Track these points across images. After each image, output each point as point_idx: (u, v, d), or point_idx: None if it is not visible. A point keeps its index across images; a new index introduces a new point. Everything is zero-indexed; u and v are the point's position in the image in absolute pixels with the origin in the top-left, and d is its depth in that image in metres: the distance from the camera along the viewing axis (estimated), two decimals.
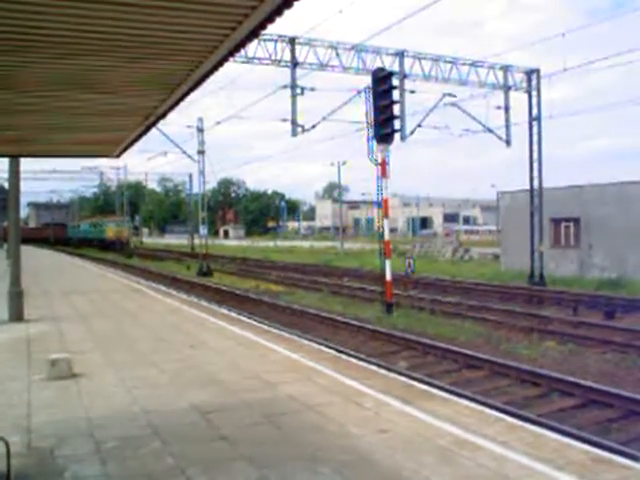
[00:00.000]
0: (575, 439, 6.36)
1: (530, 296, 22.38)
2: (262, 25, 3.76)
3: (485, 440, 5.92)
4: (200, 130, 38.65)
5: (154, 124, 6.83)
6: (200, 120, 38.75)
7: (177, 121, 34.12)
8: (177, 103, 5.80)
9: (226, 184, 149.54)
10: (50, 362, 8.74)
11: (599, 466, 5.33)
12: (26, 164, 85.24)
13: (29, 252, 49.49)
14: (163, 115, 6.31)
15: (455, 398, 7.72)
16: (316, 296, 23.72)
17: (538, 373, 10.73)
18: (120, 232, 66.64)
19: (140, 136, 7.55)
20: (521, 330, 15.52)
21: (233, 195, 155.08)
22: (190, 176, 67.54)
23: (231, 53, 4.31)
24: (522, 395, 10.03)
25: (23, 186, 16.79)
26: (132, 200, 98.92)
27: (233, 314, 16.22)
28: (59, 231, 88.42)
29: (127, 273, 31.67)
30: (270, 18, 3.66)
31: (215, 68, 4.69)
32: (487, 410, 7.19)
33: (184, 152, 40.09)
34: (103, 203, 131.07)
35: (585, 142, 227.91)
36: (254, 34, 3.93)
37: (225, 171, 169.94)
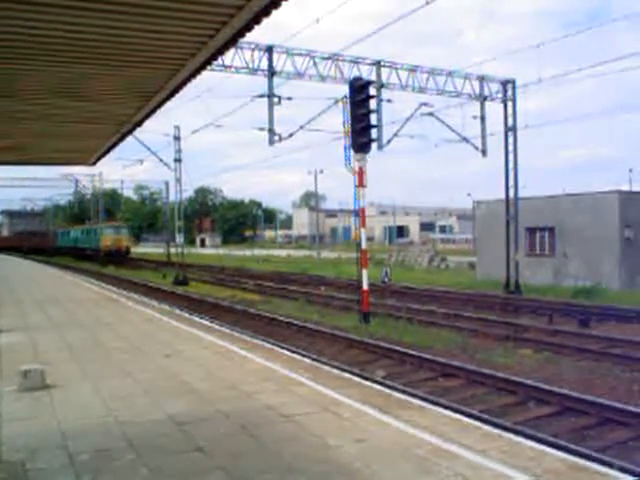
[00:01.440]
0: (552, 447, 6.39)
1: (506, 304, 22.54)
2: (240, 33, 3.75)
3: (463, 449, 5.92)
4: (177, 138, 38.46)
5: (131, 132, 6.78)
6: (177, 128, 38.59)
7: (154, 129, 33.83)
8: (154, 110, 5.76)
9: (203, 192, 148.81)
10: (22, 373, 8.57)
11: (576, 474, 5.36)
12: None
13: (1, 261, 48.74)
14: (140, 122, 6.27)
15: (432, 407, 7.73)
16: (293, 305, 23.64)
17: (514, 381, 10.78)
18: (119, 240, 56.54)
19: (117, 143, 7.49)
20: (497, 338, 15.60)
21: (210, 204, 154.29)
22: (167, 184, 66.07)
23: (209, 60, 4.29)
24: (499, 403, 10.08)
25: None
26: (108, 208, 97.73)
27: (209, 323, 16.11)
28: (44, 239, 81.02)
29: (102, 282, 31.30)
30: (248, 26, 3.65)
31: (193, 75, 4.67)
32: (464, 419, 7.20)
33: (161, 160, 39.79)
34: (78, 211, 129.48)
35: (563, 152, 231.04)
36: (232, 42, 3.92)
37: (202, 179, 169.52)
